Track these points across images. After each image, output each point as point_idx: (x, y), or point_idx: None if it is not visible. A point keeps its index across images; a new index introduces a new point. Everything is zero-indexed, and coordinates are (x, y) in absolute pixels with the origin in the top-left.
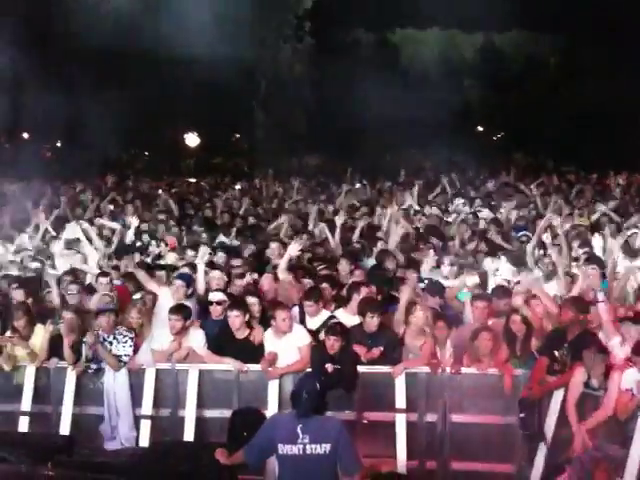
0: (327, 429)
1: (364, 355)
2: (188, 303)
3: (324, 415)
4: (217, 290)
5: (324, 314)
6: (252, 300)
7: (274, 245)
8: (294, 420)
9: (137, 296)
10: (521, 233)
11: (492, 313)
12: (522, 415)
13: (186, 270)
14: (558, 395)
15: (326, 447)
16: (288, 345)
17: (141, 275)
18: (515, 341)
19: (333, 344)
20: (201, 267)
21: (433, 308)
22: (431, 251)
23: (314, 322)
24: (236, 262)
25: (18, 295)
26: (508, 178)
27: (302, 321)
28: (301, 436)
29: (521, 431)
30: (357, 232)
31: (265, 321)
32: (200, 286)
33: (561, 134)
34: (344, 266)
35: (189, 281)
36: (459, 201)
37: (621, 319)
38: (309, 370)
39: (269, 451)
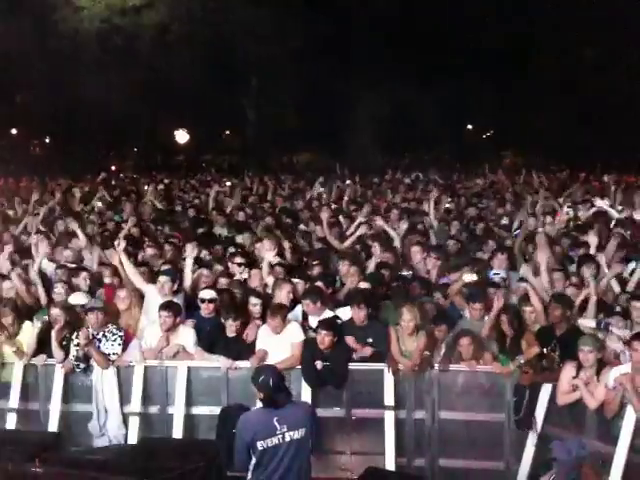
0: (300, 414)
1: (355, 352)
2: (175, 300)
3: (293, 401)
4: (207, 288)
5: (327, 313)
6: (255, 301)
7: (265, 241)
8: (268, 414)
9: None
10: (515, 232)
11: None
12: (514, 399)
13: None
14: (545, 392)
15: (302, 431)
16: (281, 341)
17: (129, 269)
18: (505, 338)
19: (324, 339)
20: (189, 262)
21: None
22: (417, 247)
23: (316, 321)
24: (238, 259)
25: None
26: (496, 177)
27: (305, 320)
28: (279, 427)
29: (514, 416)
30: (352, 227)
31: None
32: (187, 282)
33: (551, 133)
34: (345, 267)
35: (174, 277)
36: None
37: (610, 314)
38: (262, 365)
39: (253, 450)
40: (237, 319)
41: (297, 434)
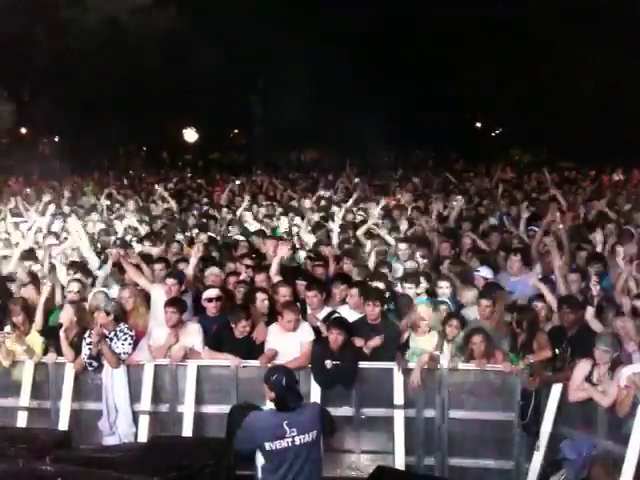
0: (311, 417)
1: (365, 345)
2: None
3: (304, 404)
4: (212, 287)
5: (325, 310)
6: (262, 296)
7: (269, 242)
8: (277, 416)
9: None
10: (529, 227)
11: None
12: (521, 403)
13: (182, 265)
14: (556, 392)
15: (313, 434)
16: (292, 340)
17: (132, 271)
18: (517, 338)
19: (336, 338)
20: (193, 261)
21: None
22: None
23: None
24: (247, 261)
25: (28, 293)
26: (506, 174)
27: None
28: (288, 430)
29: (520, 420)
30: (363, 229)
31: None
32: (189, 279)
33: (560, 130)
34: (348, 265)
35: (181, 279)
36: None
37: (617, 314)
38: (276, 365)
39: (256, 450)
40: (248, 318)
41: (307, 437)
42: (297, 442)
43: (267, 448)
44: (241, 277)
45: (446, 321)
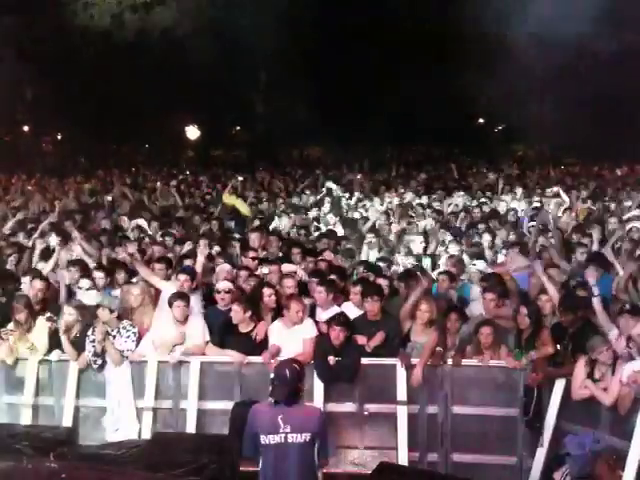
0: (307, 418)
1: (367, 344)
2: (193, 297)
3: (304, 404)
4: (224, 280)
5: (334, 309)
6: (268, 291)
7: (254, 235)
8: (274, 410)
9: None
10: (531, 224)
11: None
12: (524, 398)
13: (187, 261)
14: (559, 387)
15: (306, 436)
16: (294, 337)
17: (142, 270)
18: (521, 333)
19: (338, 334)
20: (200, 259)
21: (447, 299)
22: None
23: (323, 316)
24: (251, 254)
25: (38, 285)
26: (510, 170)
27: (312, 315)
28: (282, 426)
29: (523, 417)
30: (368, 225)
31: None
32: (198, 271)
33: (561, 125)
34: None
35: (193, 274)
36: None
37: (619, 312)
38: (285, 358)
39: (257, 443)
40: (240, 303)
41: (300, 438)
42: (289, 439)
43: (262, 442)
44: (257, 272)
45: (446, 314)
